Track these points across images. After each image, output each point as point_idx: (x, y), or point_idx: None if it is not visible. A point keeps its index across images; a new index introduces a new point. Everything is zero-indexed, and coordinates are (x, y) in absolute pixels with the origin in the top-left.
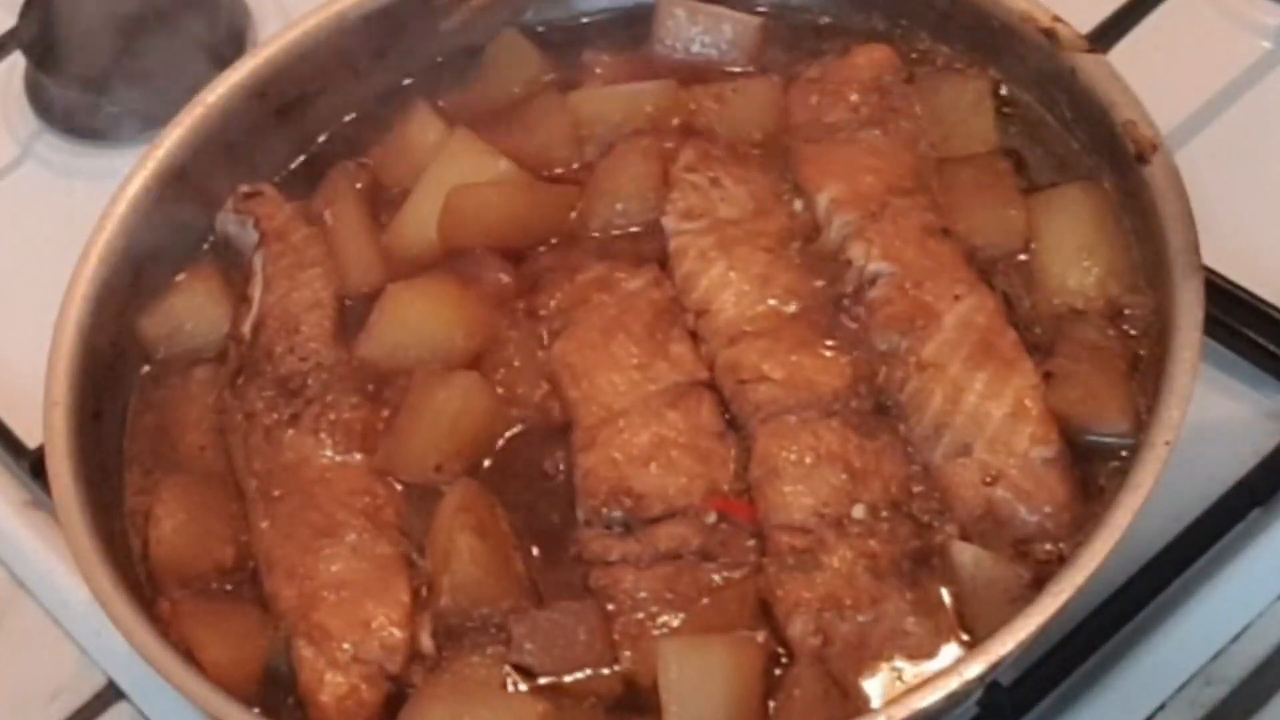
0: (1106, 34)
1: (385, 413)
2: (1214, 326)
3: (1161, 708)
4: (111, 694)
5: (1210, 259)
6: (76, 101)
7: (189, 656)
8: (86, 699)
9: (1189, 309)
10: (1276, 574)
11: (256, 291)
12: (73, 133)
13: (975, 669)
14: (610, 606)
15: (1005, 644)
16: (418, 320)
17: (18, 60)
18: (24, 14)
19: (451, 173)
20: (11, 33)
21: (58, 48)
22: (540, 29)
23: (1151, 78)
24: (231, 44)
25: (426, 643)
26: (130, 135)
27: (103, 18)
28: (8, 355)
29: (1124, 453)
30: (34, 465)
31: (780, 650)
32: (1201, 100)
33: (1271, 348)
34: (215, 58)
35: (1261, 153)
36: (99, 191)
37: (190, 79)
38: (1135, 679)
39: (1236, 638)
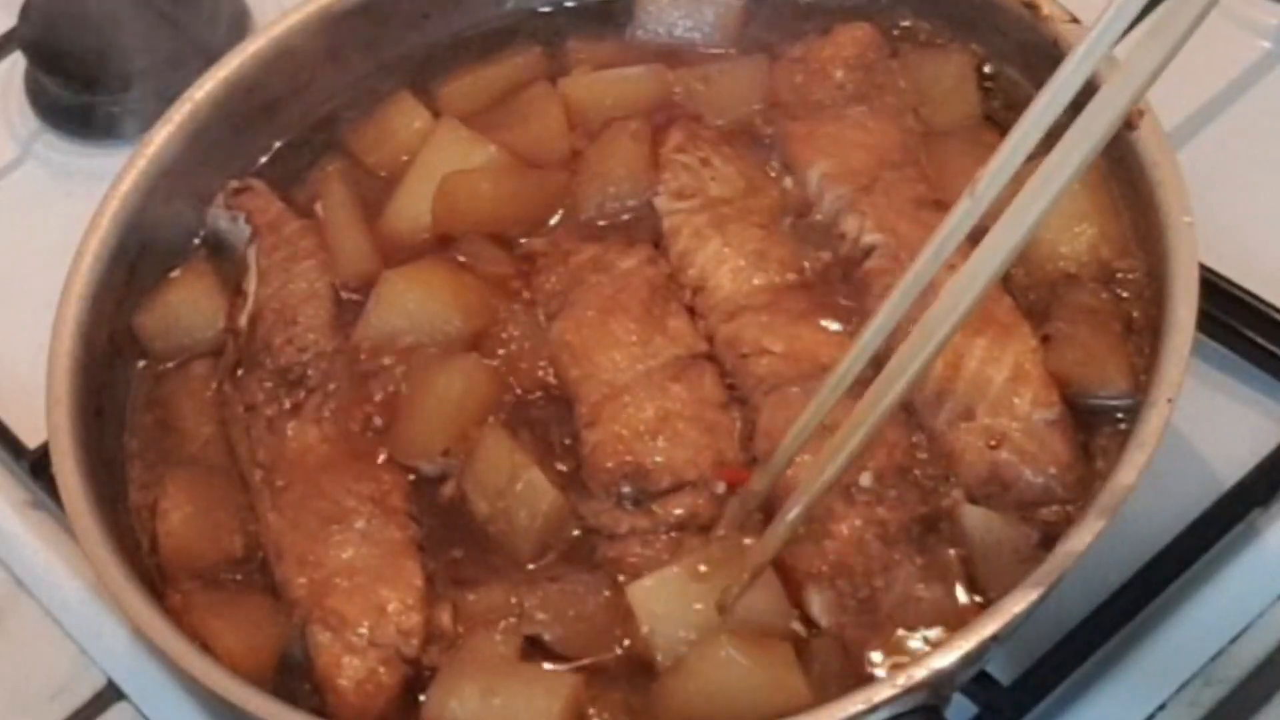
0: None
1: (387, 399)
2: (1214, 326)
3: (1161, 708)
4: (111, 694)
5: (1210, 259)
6: (76, 101)
7: (203, 648)
8: (86, 699)
9: (1183, 269)
10: (1276, 574)
11: (251, 285)
12: (73, 133)
13: (989, 628)
14: (621, 578)
15: (1019, 602)
16: (415, 305)
17: (18, 60)
18: (24, 14)
19: (441, 160)
20: (11, 33)
21: (58, 48)
22: (523, 15)
23: None
24: (231, 43)
25: (446, 622)
26: (130, 135)
27: (103, 17)
28: (7, 355)
29: (1120, 415)
30: (34, 465)
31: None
32: (1201, 100)
33: (1271, 348)
34: (215, 57)
35: (1261, 153)
36: (99, 191)
37: (190, 78)
38: (1135, 679)
39: (1236, 638)
